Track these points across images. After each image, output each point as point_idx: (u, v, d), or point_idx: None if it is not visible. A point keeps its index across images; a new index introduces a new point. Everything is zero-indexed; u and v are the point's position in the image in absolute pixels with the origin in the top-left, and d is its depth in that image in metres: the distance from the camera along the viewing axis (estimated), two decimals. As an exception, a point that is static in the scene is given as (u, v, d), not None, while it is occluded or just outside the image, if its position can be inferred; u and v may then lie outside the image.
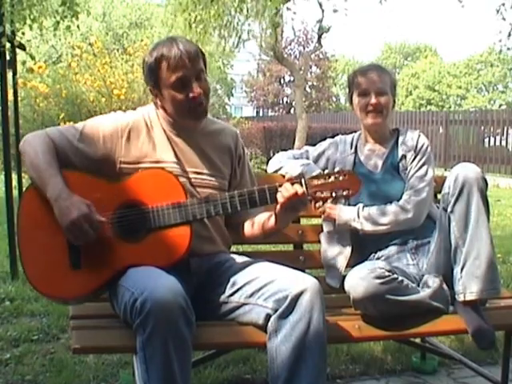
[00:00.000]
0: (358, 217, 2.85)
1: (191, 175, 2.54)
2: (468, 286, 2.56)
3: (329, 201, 2.37)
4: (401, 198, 2.87)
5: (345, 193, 2.36)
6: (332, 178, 2.36)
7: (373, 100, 2.95)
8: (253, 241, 2.73)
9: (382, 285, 2.46)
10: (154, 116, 2.59)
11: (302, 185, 2.34)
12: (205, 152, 2.61)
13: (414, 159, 2.94)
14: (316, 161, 3.06)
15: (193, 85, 2.46)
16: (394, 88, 3.07)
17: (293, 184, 2.34)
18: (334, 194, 2.35)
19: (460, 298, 2.58)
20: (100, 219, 2.30)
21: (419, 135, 3.01)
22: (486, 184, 2.64)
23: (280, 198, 2.35)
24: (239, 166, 2.72)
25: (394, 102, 3.09)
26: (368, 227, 2.84)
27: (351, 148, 3.07)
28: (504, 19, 8.83)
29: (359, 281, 2.48)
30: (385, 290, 2.46)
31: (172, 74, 2.44)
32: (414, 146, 2.96)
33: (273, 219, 2.49)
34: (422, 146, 2.96)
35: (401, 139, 3.02)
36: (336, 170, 2.39)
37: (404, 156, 2.96)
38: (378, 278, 2.46)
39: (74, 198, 2.30)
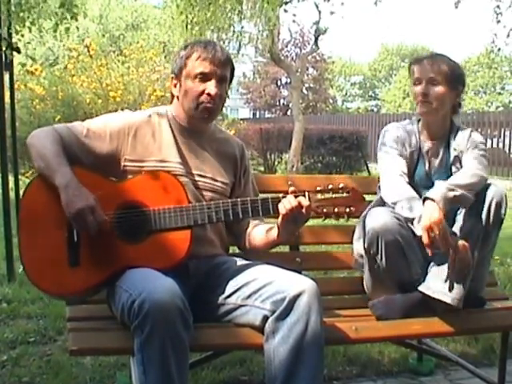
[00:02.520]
0: (449, 186, 2.58)
1: (195, 177, 2.55)
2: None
3: (331, 216, 2.38)
4: None
5: (347, 210, 2.36)
6: (336, 194, 2.36)
7: (421, 88, 2.81)
8: (255, 252, 2.69)
9: (399, 226, 2.59)
10: (163, 116, 2.61)
11: (305, 198, 2.34)
12: (210, 156, 2.62)
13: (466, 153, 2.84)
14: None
15: (213, 83, 2.50)
16: (456, 80, 2.86)
17: (296, 197, 2.34)
18: (336, 210, 2.36)
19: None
20: (104, 218, 2.31)
21: (470, 134, 2.89)
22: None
23: (282, 209, 2.35)
24: (244, 176, 2.73)
25: (458, 96, 2.91)
26: (464, 189, 2.60)
27: (416, 142, 2.90)
28: (499, 21, 8.87)
29: (381, 213, 2.61)
30: (398, 230, 2.59)
31: (198, 66, 2.50)
32: (465, 146, 2.85)
33: (275, 231, 2.49)
34: (475, 143, 2.85)
35: (453, 137, 2.90)
36: (341, 185, 2.39)
37: (457, 157, 2.85)
38: (397, 218, 2.59)
39: (82, 189, 2.31)
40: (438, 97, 2.82)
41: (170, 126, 2.59)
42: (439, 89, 2.81)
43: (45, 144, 2.42)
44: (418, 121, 2.97)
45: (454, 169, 2.86)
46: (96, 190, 2.35)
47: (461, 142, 2.87)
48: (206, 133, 2.65)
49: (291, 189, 2.38)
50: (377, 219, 2.59)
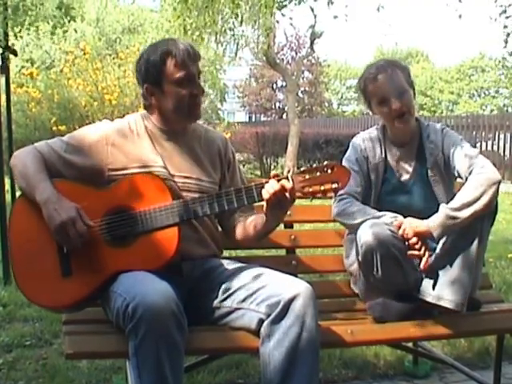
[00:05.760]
0: (449, 213, 2.55)
1: (179, 179, 2.54)
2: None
3: (318, 195, 2.36)
4: (430, 212, 2.63)
5: (334, 186, 2.33)
6: (319, 173, 2.33)
7: (395, 105, 2.75)
8: (247, 244, 2.72)
9: (393, 237, 2.53)
10: (140, 122, 2.60)
11: (288, 181, 2.32)
12: (194, 156, 2.62)
13: (447, 159, 2.80)
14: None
15: (196, 83, 2.52)
16: (409, 78, 2.83)
17: (279, 180, 2.33)
18: (322, 188, 2.33)
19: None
20: (89, 223, 2.32)
21: (444, 135, 2.85)
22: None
23: (265, 194, 2.33)
24: (229, 171, 2.72)
25: (414, 90, 2.85)
26: (467, 212, 2.54)
27: (381, 152, 2.88)
28: (505, 26, 8.91)
29: (374, 226, 2.54)
30: (392, 242, 2.52)
31: (179, 70, 2.48)
32: (440, 148, 2.82)
33: (262, 219, 2.48)
34: (454, 143, 2.80)
35: (425, 140, 2.86)
36: (324, 163, 2.37)
37: (435, 163, 2.82)
38: (391, 231, 2.54)
39: (63, 202, 2.33)
40: (411, 103, 2.80)
41: (150, 131, 2.58)
42: (407, 96, 2.79)
43: (25, 163, 2.44)
44: (384, 127, 2.93)
45: (430, 173, 2.83)
46: (81, 200, 2.36)
47: (436, 145, 2.84)
48: (187, 131, 2.64)
49: (273, 173, 2.37)
50: (369, 233, 2.54)
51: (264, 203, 2.36)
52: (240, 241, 2.67)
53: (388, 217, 2.64)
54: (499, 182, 2.62)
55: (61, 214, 2.29)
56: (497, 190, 2.60)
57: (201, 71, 2.59)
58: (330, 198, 2.73)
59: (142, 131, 2.58)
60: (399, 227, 2.57)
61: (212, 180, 2.62)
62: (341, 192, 2.61)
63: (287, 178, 2.33)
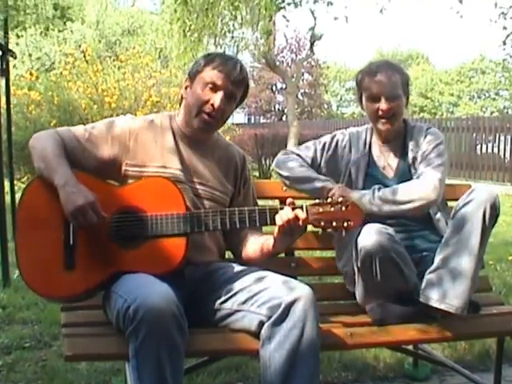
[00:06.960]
0: (373, 198, 2.71)
1: (195, 185, 2.55)
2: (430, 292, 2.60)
3: (328, 230, 2.37)
4: None
5: (345, 224, 2.34)
6: (334, 208, 2.35)
7: (383, 106, 2.80)
8: (251, 263, 2.65)
9: (392, 242, 2.53)
10: (166, 123, 2.61)
11: (302, 211, 2.33)
12: (211, 165, 2.63)
13: (424, 152, 2.85)
14: (328, 162, 2.95)
15: (220, 96, 2.50)
16: (406, 86, 2.88)
17: (293, 209, 2.34)
18: (334, 224, 2.35)
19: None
20: (103, 215, 2.32)
21: (426, 133, 2.89)
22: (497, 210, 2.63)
23: (279, 220, 2.34)
24: (244, 188, 2.73)
25: (408, 99, 2.90)
26: (386, 208, 2.70)
27: (365, 147, 2.94)
28: (505, 28, 8.96)
29: (372, 231, 2.53)
30: (393, 247, 2.53)
31: (213, 75, 2.51)
32: (421, 145, 2.86)
33: (270, 242, 2.48)
34: (430, 143, 2.85)
35: (409, 138, 2.91)
36: (339, 199, 2.38)
37: (414, 158, 2.86)
38: (390, 235, 2.54)
39: (81, 187, 2.32)
40: (400, 109, 2.85)
41: (173, 133, 2.59)
42: (399, 102, 2.83)
43: (46, 146, 2.43)
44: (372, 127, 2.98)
45: (413, 170, 2.87)
46: (95, 193, 2.35)
47: (417, 143, 2.88)
48: (209, 142, 2.66)
49: (289, 201, 2.37)
50: (369, 238, 2.52)
51: (276, 228, 2.37)
52: (245, 259, 2.66)
53: (321, 180, 2.77)
54: (430, 202, 2.71)
55: (79, 197, 2.29)
56: (424, 206, 2.71)
57: (236, 98, 2.59)
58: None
59: (166, 131, 2.59)
60: (330, 190, 2.69)
61: (225, 191, 2.64)
62: (291, 149, 2.74)
63: (302, 207, 2.34)
